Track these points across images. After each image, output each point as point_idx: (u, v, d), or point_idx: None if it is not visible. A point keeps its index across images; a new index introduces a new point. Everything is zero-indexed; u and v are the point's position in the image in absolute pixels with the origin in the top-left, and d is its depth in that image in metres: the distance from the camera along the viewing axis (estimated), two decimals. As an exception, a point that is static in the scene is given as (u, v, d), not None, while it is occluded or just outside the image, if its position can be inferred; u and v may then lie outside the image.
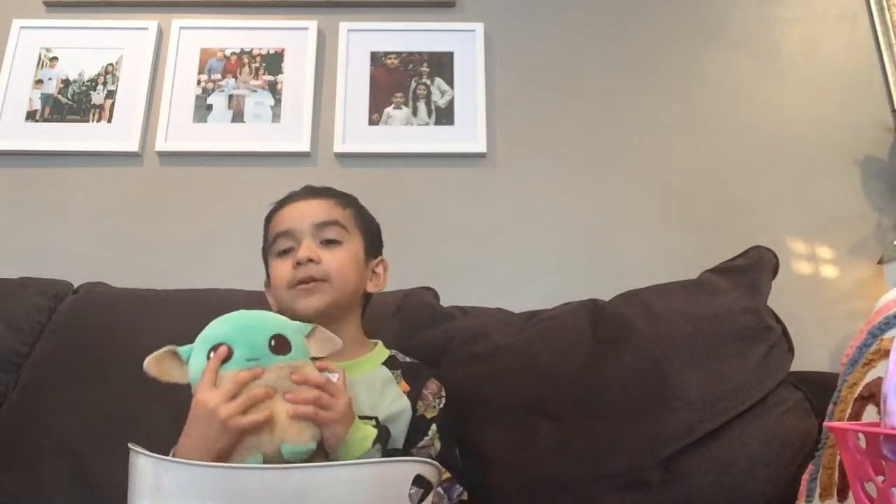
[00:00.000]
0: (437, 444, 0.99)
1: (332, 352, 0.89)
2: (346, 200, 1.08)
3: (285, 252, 1.01)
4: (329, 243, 1.01)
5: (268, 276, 1.08)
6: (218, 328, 0.86)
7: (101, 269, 1.47)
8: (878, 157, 1.65)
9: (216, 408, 0.77)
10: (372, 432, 0.88)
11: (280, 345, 0.84)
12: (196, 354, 0.85)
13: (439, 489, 0.94)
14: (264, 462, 0.78)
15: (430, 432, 0.99)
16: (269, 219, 1.08)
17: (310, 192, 1.07)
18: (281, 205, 1.07)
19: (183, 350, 0.86)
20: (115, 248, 1.59)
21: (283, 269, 1.00)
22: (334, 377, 0.86)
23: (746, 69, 1.75)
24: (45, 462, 1.13)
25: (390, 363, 1.04)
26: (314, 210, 1.03)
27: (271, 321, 0.87)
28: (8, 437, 1.16)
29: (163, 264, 1.57)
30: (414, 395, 1.01)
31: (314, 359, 0.88)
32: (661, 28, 1.79)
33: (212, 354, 0.82)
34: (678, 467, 1.03)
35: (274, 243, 1.03)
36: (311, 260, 0.98)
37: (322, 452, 0.85)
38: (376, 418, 0.96)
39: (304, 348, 0.87)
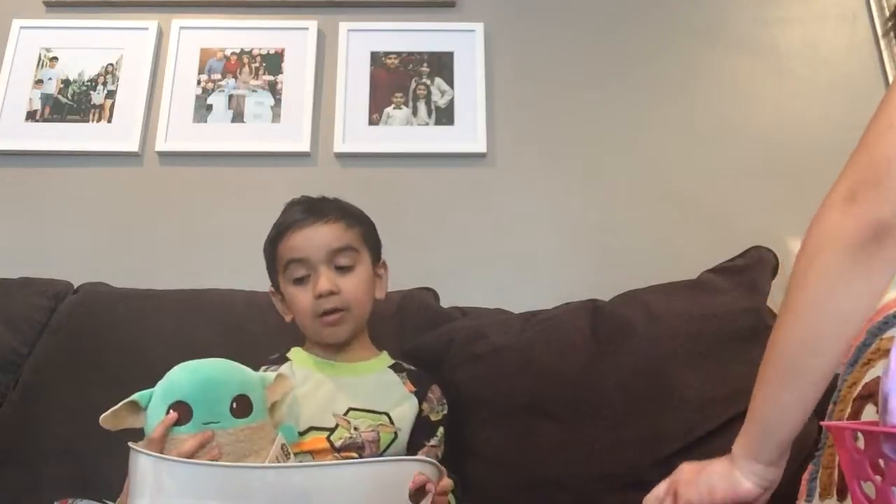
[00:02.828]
0: (442, 447, 1.04)
1: (286, 392, 0.90)
2: (352, 218, 1.09)
3: (301, 280, 1.04)
4: (343, 269, 1.04)
5: (278, 292, 1.10)
6: (180, 382, 0.83)
7: (101, 269, 1.47)
8: (878, 158, 1.65)
9: None
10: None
11: (242, 407, 0.82)
12: (155, 407, 0.83)
13: None
14: None
15: (438, 433, 1.05)
16: (275, 242, 1.08)
17: (317, 215, 1.06)
18: (289, 228, 1.06)
19: (142, 395, 0.85)
20: (115, 248, 1.59)
21: (304, 299, 1.03)
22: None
23: (746, 69, 1.75)
24: (45, 462, 1.13)
25: (396, 368, 1.10)
26: (327, 236, 1.04)
27: (236, 380, 0.85)
28: (8, 438, 1.16)
29: (163, 264, 1.57)
30: (420, 397, 1.06)
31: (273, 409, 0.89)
32: (662, 28, 1.78)
33: (171, 412, 0.81)
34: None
35: (287, 269, 1.05)
36: (331, 292, 1.01)
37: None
38: (387, 414, 0.99)
39: (264, 405, 0.86)
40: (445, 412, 1.08)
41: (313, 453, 0.94)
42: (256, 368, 1.04)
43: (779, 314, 0.75)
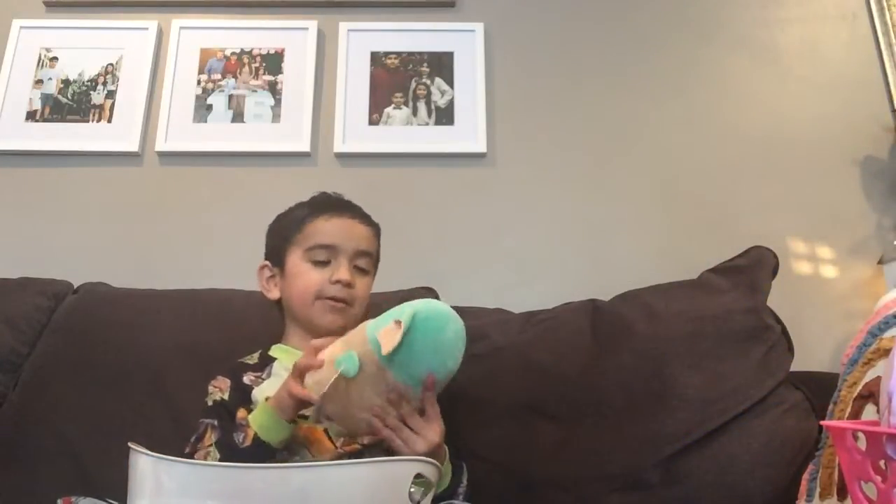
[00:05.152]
0: None
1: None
2: (378, 231, 1.13)
3: (321, 263, 1.05)
4: (359, 270, 1.07)
5: (277, 266, 1.09)
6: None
7: (101, 269, 1.47)
8: (878, 157, 1.65)
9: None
10: (447, 473, 0.94)
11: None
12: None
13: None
14: None
15: None
16: (307, 218, 1.08)
17: (357, 213, 1.10)
18: (328, 210, 1.08)
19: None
20: (115, 248, 1.59)
21: (317, 279, 1.04)
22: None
23: (746, 69, 1.75)
24: (45, 462, 1.13)
25: None
26: (361, 235, 1.08)
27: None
28: (8, 437, 1.16)
29: (163, 264, 1.57)
30: None
31: None
32: (662, 28, 1.79)
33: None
34: (678, 467, 1.03)
35: (311, 249, 1.06)
36: (349, 284, 1.03)
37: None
38: None
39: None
40: None
41: (310, 442, 0.94)
42: (238, 371, 1.04)
43: None
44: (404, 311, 0.84)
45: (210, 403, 1.01)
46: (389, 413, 0.85)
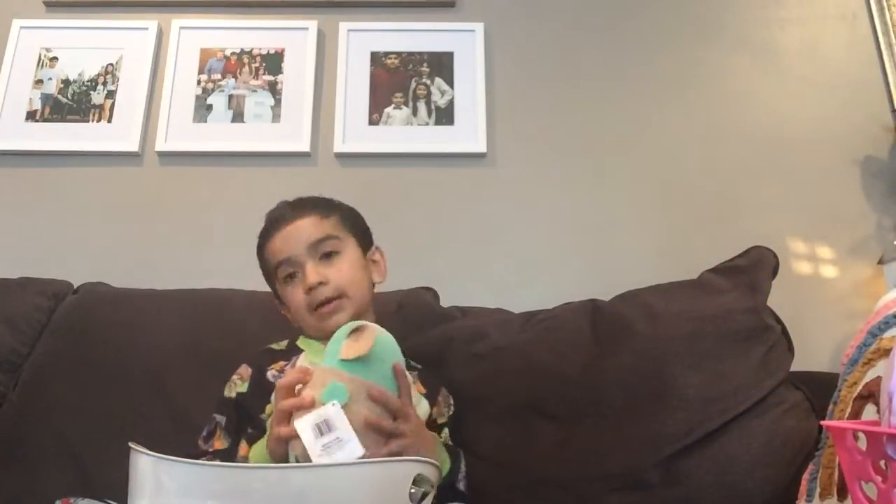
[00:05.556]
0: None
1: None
2: (327, 208, 1.10)
3: (291, 277, 1.05)
4: (328, 256, 1.04)
5: (278, 298, 1.11)
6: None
7: (101, 269, 1.47)
8: (878, 157, 1.65)
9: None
10: (444, 463, 0.93)
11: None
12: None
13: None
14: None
15: (442, 435, 1.04)
16: (262, 248, 1.10)
17: (293, 213, 1.08)
18: (269, 233, 1.08)
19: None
20: (115, 248, 1.59)
21: (297, 296, 1.03)
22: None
23: (746, 69, 1.75)
24: (45, 462, 1.13)
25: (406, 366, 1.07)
26: (304, 231, 1.05)
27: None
28: (8, 437, 1.16)
29: (163, 264, 1.57)
30: (430, 400, 1.05)
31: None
32: (662, 29, 1.79)
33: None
34: (678, 467, 1.03)
35: (276, 271, 1.06)
36: (320, 283, 1.01)
37: None
38: None
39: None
40: (451, 413, 1.08)
41: None
42: (263, 361, 1.04)
43: None
44: (339, 332, 0.86)
45: (225, 395, 1.02)
46: (382, 427, 0.83)
